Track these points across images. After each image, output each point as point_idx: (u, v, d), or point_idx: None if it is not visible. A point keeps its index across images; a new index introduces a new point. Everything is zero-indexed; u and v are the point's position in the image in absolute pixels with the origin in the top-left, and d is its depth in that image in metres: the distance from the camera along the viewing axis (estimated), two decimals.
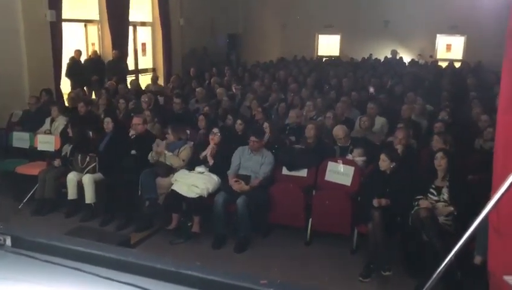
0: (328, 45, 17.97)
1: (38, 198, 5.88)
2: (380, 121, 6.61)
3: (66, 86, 9.83)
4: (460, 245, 1.53)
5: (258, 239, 5.17)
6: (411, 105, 7.08)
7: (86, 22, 11.22)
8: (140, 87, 9.94)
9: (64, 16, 9.56)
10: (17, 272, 1.18)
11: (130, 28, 11.82)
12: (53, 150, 6.29)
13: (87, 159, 5.71)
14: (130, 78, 11.00)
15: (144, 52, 12.99)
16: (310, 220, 5.03)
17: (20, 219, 5.67)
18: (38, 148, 6.43)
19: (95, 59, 10.75)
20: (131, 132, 5.91)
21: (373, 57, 15.88)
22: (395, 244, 4.52)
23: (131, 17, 11.66)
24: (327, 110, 6.74)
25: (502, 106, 2.72)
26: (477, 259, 3.85)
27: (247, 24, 17.04)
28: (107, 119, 6.05)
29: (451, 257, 1.56)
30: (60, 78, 9.59)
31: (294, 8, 16.94)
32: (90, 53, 11.01)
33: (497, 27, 6.18)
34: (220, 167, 5.36)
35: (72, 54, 10.05)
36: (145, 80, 11.76)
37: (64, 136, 6.31)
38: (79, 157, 5.74)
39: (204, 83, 10.48)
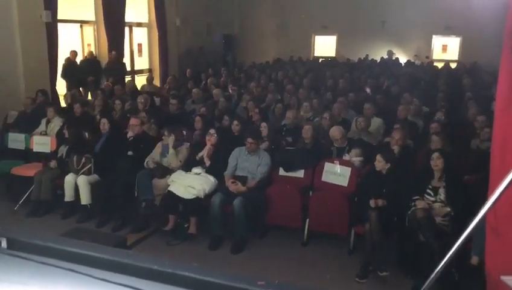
0: (325, 46, 17.97)
1: (34, 199, 5.84)
2: (376, 122, 6.61)
3: (61, 87, 9.81)
4: (458, 245, 1.53)
5: (255, 240, 5.16)
6: (407, 106, 7.09)
7: (82, 22, 11.20)
8: (136, 88, 9.90)
9: (59, 17, 9.54)
10: (12, 275, 1.16)
11: (126, 29, 11.80)
12: (49, 152, 6.26)
13: (83, 160, 5.69)
14: (127, 79, 10.98)
15: (140, 53, 12.98)
16: (307, 221, 5.02)
17: (15, 221, 5.64)
18: (34, 150, 6.40)
19: (91, 60, 10.72)
20: (129, 133, 5.89)
21: (369, 58, 15.90)
22: (392, 245, 4.51)
23: (127, 18, 11.64)
24: (324, 111, 6.73)
25: (500, 106, 2.72)
26: (474, 259, 3.85)
27: (244, 25, 17.06)
28: (103, 120, 6.03)
29: (450, 257, 1.56)
30: (56, 79, 9.58)
31: (290, 8, 16.96)
32: (86, 54, 10.98)
33: (492, 28, 6.21)
34: (216, 168, 5.35)
35: (68, 55, 10.02)
36: (141, 81, 11.73)
37: (60, 138, 6.28)
38: (74, 159, 5.71)
39: (201, 83, 10.45)
